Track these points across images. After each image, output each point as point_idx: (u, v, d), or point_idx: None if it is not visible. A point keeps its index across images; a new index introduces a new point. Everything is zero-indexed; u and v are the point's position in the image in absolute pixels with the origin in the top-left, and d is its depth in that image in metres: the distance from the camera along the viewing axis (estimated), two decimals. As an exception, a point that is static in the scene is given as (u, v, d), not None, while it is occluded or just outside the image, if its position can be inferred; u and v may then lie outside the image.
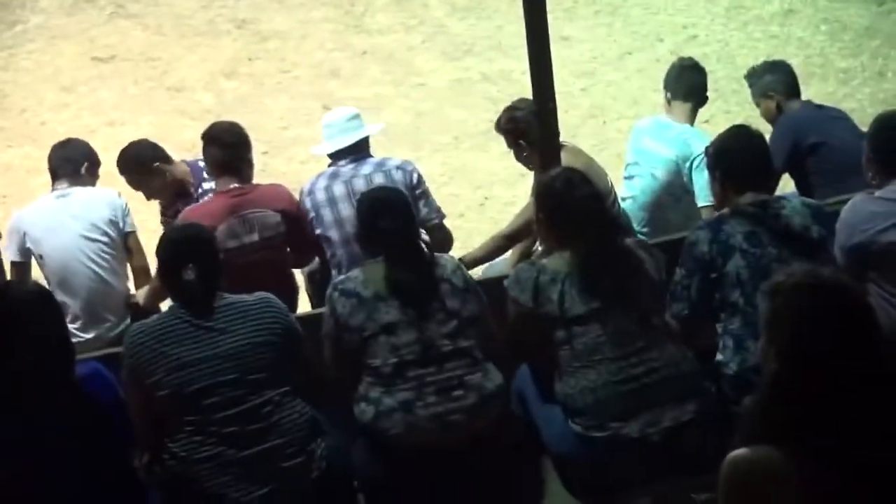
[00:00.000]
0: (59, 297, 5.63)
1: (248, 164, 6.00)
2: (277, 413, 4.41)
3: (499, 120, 6.44)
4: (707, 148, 5.22)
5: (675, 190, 6.55)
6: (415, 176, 5.98)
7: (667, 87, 6.86)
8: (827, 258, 4.71)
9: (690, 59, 7.03)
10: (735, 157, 4.90)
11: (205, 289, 4.49)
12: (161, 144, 6.69)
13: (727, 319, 4.71)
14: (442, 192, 8.29)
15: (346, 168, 5.98)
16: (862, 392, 2.89)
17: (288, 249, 6.04)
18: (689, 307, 4.76)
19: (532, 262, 4.90)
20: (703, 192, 6.29)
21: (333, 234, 5.86)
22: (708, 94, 6.92)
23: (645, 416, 4.46)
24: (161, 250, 4.69)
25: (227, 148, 5.90)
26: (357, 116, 6.15)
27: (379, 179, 5.86)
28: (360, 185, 5.79)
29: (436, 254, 4.87)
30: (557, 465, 4.73)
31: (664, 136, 6.60)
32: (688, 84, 6.79)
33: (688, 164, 6.47)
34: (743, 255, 4.68)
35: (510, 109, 6.40)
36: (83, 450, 4.12)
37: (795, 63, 7.11)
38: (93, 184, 6.32)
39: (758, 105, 6.97)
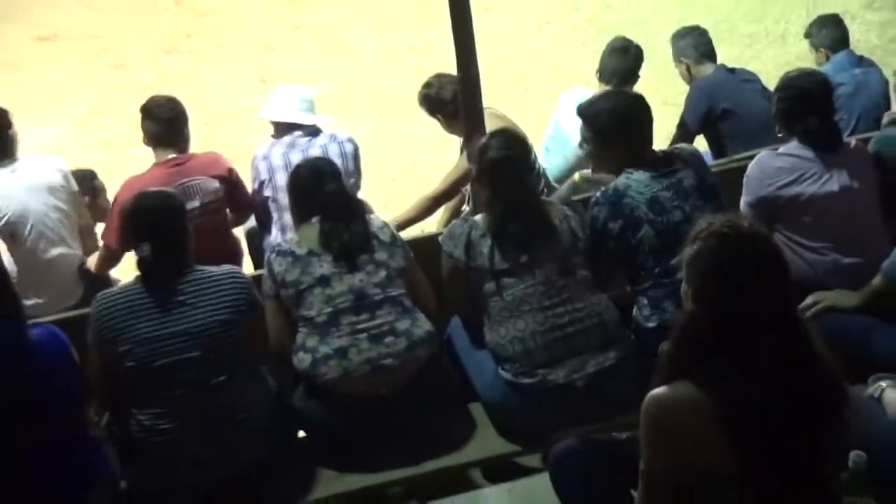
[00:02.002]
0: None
1: (184, 138, 6.08)
2: (239, 392, 4.43)
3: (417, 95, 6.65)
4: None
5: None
6: (359, 149, 6.43)
7: (599, 64, 6.91)
8: (723, 203, 4.82)
9: (623, 40, 6.98)
10: (625, 128, 4.95)
11: (162, 264, 4.43)
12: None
13: (642, 283, 4.83)
14: (374, 158, 8.43)
15: (302, 139, 6.32)
16: (770, 332, 3.00)
17: (227, 211, 6.19)
18: (599, 269, 4.90)
19: (465, 218, 5.02)
20: None
21: (284, 198, 5.98)
22: (638, 75, 6.86)
23: (570, 362, 4.64)
24: (122, 220, 4.72)
25: (163, 122, 5.99)
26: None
27: (334, 149, 6.25)
28: (316, 154, 6.09)
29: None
30: (488, 411, 4.87)
31: None
32: (611, 67, 6.82)
33: None
34: (651, 225, 4.75)
35: (423, 87, 6.59)
36: (34, 412, 4.12)
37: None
38: None
39: (677, 68, 7.16)
